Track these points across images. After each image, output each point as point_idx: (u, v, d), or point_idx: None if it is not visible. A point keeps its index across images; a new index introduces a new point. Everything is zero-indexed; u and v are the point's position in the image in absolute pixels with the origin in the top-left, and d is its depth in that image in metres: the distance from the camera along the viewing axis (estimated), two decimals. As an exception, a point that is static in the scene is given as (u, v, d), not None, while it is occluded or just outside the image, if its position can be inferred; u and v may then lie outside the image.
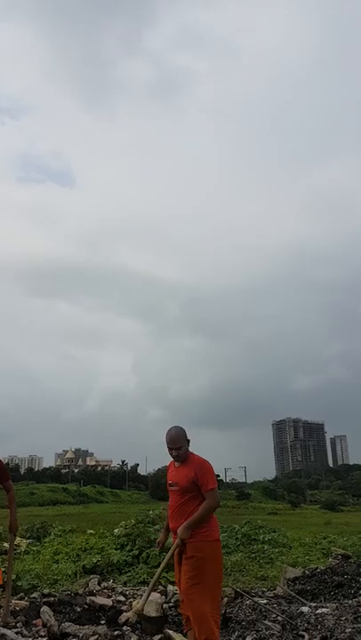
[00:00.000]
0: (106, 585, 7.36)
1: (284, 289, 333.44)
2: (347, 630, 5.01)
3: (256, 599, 6.25)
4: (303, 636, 4.95)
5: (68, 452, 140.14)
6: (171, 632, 5.06)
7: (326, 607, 6.04)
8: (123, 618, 5.54)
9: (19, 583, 7.10)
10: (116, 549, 9.08)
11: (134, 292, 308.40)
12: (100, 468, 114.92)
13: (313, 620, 5.44)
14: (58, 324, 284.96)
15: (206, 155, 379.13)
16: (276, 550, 10.64)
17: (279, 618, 5.52)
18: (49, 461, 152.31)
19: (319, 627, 5.21)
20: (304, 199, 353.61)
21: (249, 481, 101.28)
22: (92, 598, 6.24)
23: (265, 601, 6.37)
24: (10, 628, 5.14)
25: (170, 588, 6.53)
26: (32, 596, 6.60)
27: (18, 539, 10.24)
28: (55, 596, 6.42)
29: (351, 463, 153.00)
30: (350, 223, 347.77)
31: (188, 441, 4.32)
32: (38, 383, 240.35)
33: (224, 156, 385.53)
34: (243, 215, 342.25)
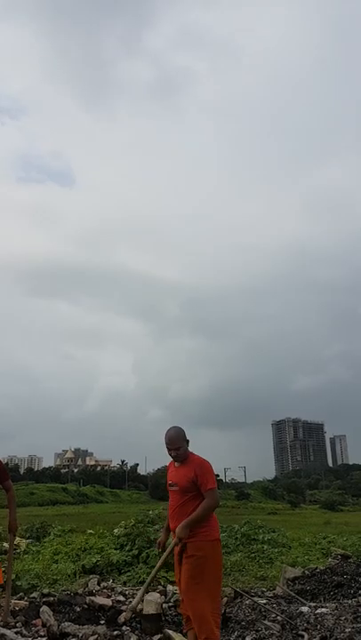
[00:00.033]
0: (105, 585, 7.36)
1: (284, 289, 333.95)
2: (346, 630, 5.01)
3: (256, 599, 6.25)
4: (303, 636, 4.96)
5: (67, 451, 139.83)
6: (170, 632, 5.05)
7: (326, 607, 6.04)
8: (122, 618, 5.54)
9: (18, 583, 7.11)
10: (115, 549, 9.08)
11: (134, 292, 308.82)
12: (99, 468, 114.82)
13: (312, 620, 5.44)
14: (58, 324, 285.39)
15: (206, 155, 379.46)
16: (276, 550, 10.64)
17: (279, 618, 5.52)
18: (48, 461, 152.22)
19: (319, 627, 5.21)
20: (304, 199, 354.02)
21: (249, 481, 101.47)
22: (92, 598, 6.24)
23: (264, 601, 6.37)
24: (9, 628, 5.14)
25: (169, 587, 6.53)
26: (32, 595, 6.62)
27: (17, 539, 10.24)
28: (55, 596, 6.42)
29: (351, 463, 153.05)
30: (350, 223, 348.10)
31: (188, 441, 4.32)
32: (38, 383, 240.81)
33: (224, 156, 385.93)
34: (243, 215, 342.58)
